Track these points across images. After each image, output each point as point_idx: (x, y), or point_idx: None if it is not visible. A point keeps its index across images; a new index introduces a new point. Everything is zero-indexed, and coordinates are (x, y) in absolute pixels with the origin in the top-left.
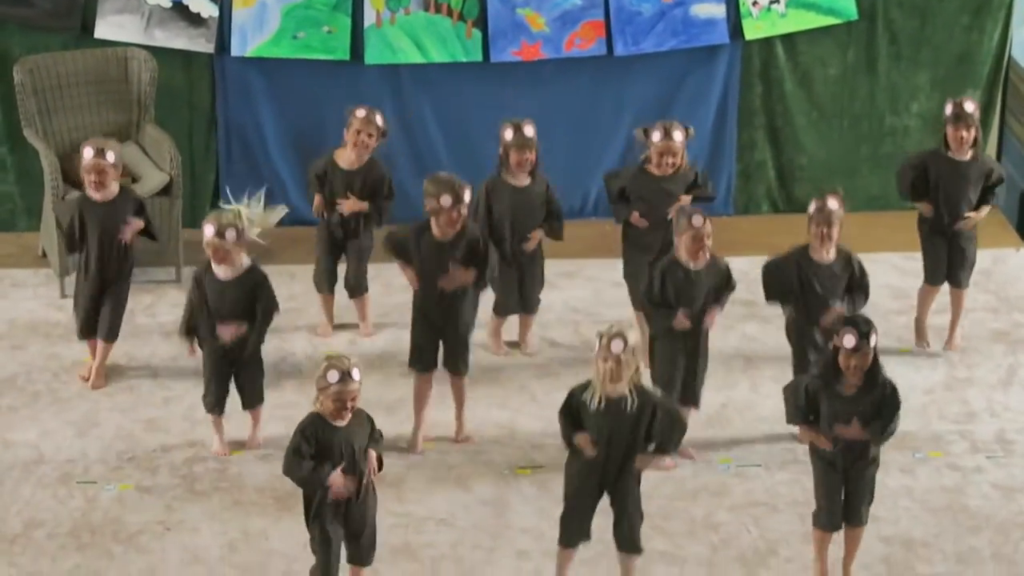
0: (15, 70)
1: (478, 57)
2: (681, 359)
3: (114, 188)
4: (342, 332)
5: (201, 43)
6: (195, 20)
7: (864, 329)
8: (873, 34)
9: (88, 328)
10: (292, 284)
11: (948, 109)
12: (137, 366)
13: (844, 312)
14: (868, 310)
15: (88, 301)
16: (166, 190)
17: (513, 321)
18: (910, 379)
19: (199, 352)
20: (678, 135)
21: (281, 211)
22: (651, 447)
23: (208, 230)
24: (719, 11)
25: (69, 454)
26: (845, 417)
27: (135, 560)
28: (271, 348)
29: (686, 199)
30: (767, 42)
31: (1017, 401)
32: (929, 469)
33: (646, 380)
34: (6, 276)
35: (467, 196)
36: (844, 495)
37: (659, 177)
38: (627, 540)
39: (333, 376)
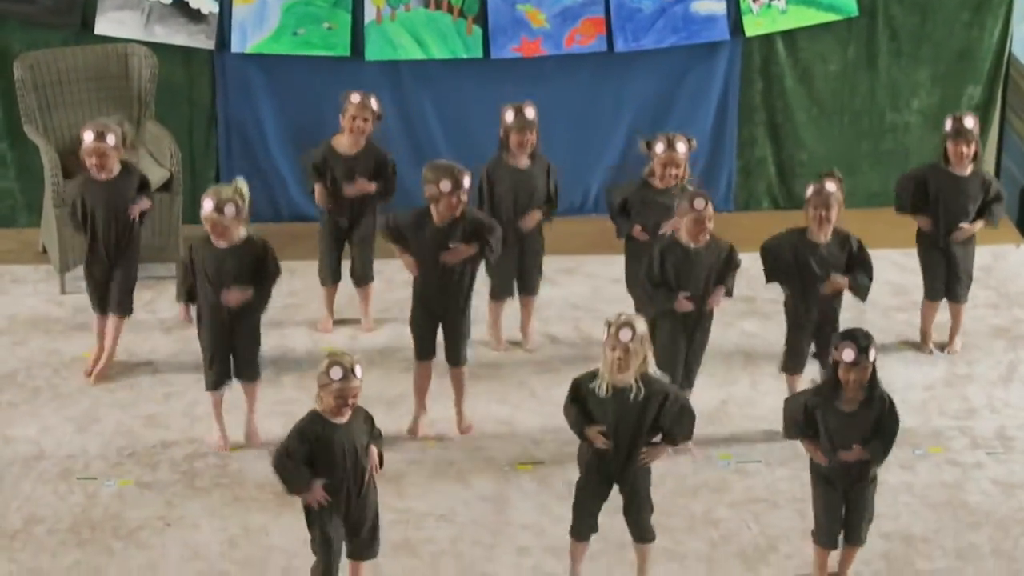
0: (15, 66)
1: (478, 53)
2: (682, 341)
3: (116, 167)
4: (342, 328)
5: (201, 39)
6: (195, 16)
7: (863, 343)
8: (873, 30)
9: (102, 302)
10: (292, 280)
11: (948, 125)
12: (137, 362)
13: (844, 283)
14: (868, 307)
15: (98, 280)
16: (166, 186)
17: (514, 319)
18: (910, 375)
19: (193, 321)
20: (681, 147)
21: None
22: (658, 437)
23: (207, 205)
24: (719, 7)
25: (69, 450)
26: (844, 435)
27: (135, 556)
28: (271, 344)
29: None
30: (767, 38)
31: (1017, 397)
32: (929, 465)
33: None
34: (6, 272)
35: (466, 182)
36: (844, 513)
37: (661, 191)
38: (637, 529)
39: (336, 373)
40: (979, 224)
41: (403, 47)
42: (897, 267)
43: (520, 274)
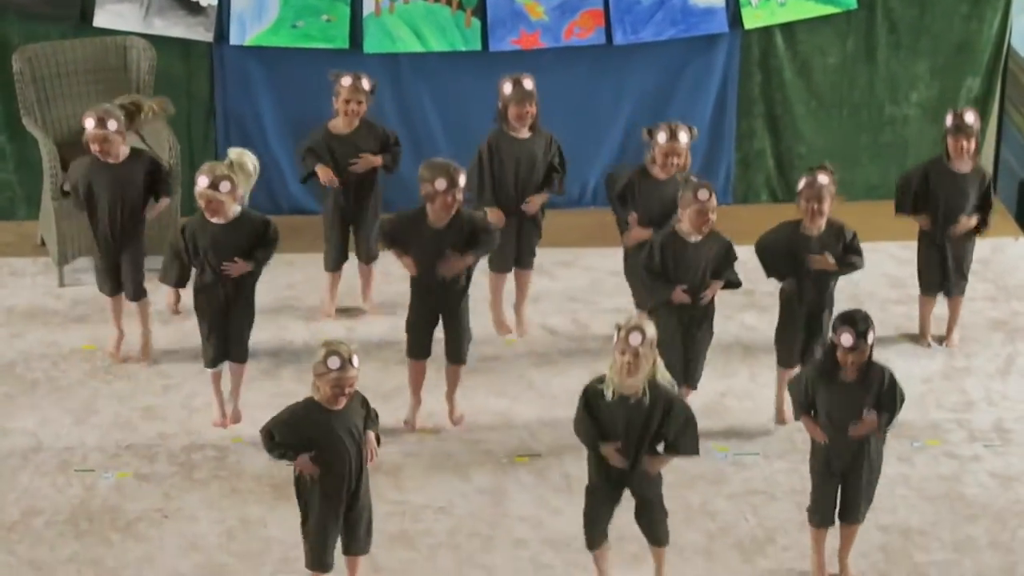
0: (14, 59)
1: (477, 46)
2: (679, 335)
3: (124, 151)
4: (339, 319)
5: (200, 32)
6: (194, 9)
7: (861, 328)
8: (872, 23)
9: (113, 285)
10: (291, 273)
11: (948, 120)
12: (136, 353)
13: (832, 263)
14: (866, 300)
15: (106, 264)
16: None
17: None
18: (908, 368)
19: (182, 313)
20: (683, 136)
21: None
22: (661, 446)
23: (202, 181)
24: (718, 0)
25: (67, 442)
26: (844, 408)
27: (133, 548)
28: (269, 337)
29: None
30: (766, 31)
31: (1015, 390)
32: (927, 458)
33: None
34: (5, 264)
35: (462, 180)
36: (841, 493)
37: (661, 180)
38: (651, 533)
39: (334, 362)
40: (975, 219)
41: (402, 40)
42: (895, 260)
43: (518, 246)
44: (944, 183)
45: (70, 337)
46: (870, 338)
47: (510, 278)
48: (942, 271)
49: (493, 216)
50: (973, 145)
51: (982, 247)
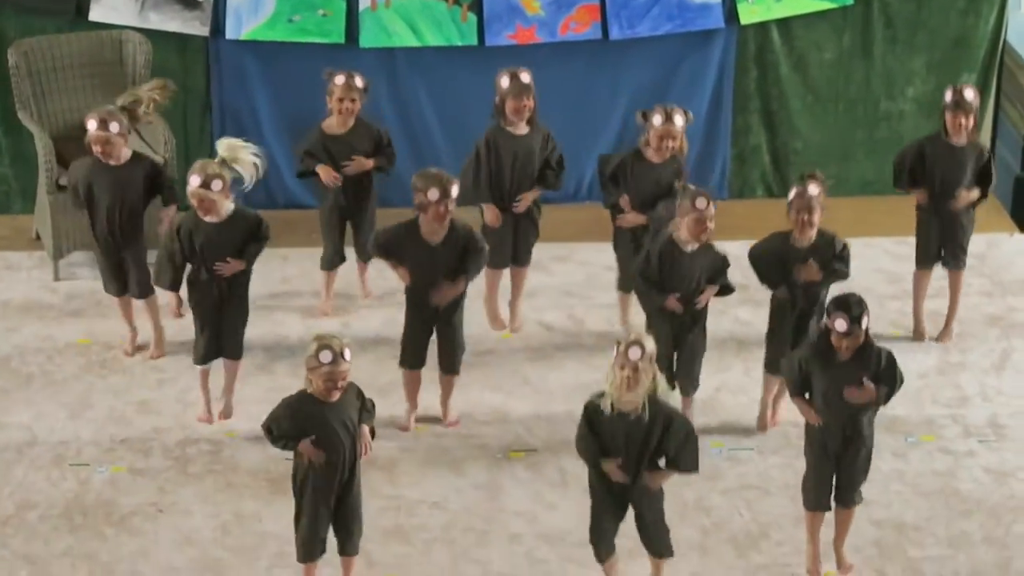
0: (10, 53)
1: (473, 41)
2: (671, 341)
3: (126, 153)
4: (335, 314)
5: (196, 26)
6: (190, 3)
7: (855, 313)
8: (868, 18)
9: (119, 285)
10: (285, 267)
11: (948, 96)
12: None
13: (817, 273)
14: (862, 294)
15: (109, 265)
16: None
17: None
18: (903, 363)
19: (183, 310)
20: (679, 119)
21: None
22: (662, 461)
23: (194, 180)
24: None
25: (62, 436)
26: (840, 386)
27: (127, 542)
28: (264, 332)
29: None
30: (762, 26)
31: (1010, 386)
32: (921, 453)
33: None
34: (0, 258)
35: (454, 191)
36: (836, 476)
37: (654, 164)
38: (652, 546)
39: (326, 356)
40: (975, 193)
41: (398, 34)
42: (890, 255)
43: (514, 243)
44: (941, 157)
45: (65, 331)
46: (864, 322)
47: (506, 274)
48: (941, 243)
49: (490, 214)
50: (971, 122)
51: (977, 243)
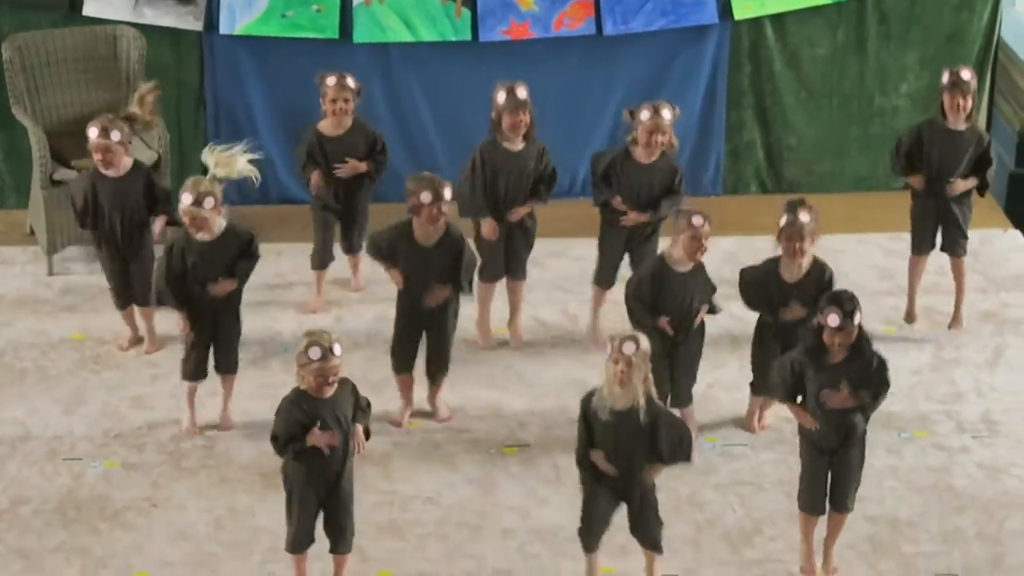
0: (3, 47)
1: (467, 36)
2: (665, 357)
3: (126, 163)
4: (327, 310)
5: (189, 21)
6: None
7: (848, 308)
8: (863, 14)
9: (124, 299)
10: (279, 262)
11: (945, 77)
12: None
13: (802, 312)
14: (855, 292)
15: (116, 275)
16: (154, 168)
17: (502, 314)
18: (897, 360)
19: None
20: (667, 113)
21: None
22: (658, 460)
23: (186, 199)
24: None
25: (56, 431)
26: (833, 384)
27: (121, 537)
28: (258, 327)
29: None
30: (756, 22)
31: (1003, 382)
32: (915, 449)
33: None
34: None
35: (447, 193)
36: (832, 477)
37: (644, 164)
38: (645, 541)
39: (315, 353)
40: (972, 182)
41: (391, 29)
42: (884, 251)
43: (507, 257)
44: (938, 140)
45: (59, 326)
46: (857, 319)
47: (503, 294)
48: (939, 229)
49: (487, 227)
50: (969, 103)
51: (971, 239)
